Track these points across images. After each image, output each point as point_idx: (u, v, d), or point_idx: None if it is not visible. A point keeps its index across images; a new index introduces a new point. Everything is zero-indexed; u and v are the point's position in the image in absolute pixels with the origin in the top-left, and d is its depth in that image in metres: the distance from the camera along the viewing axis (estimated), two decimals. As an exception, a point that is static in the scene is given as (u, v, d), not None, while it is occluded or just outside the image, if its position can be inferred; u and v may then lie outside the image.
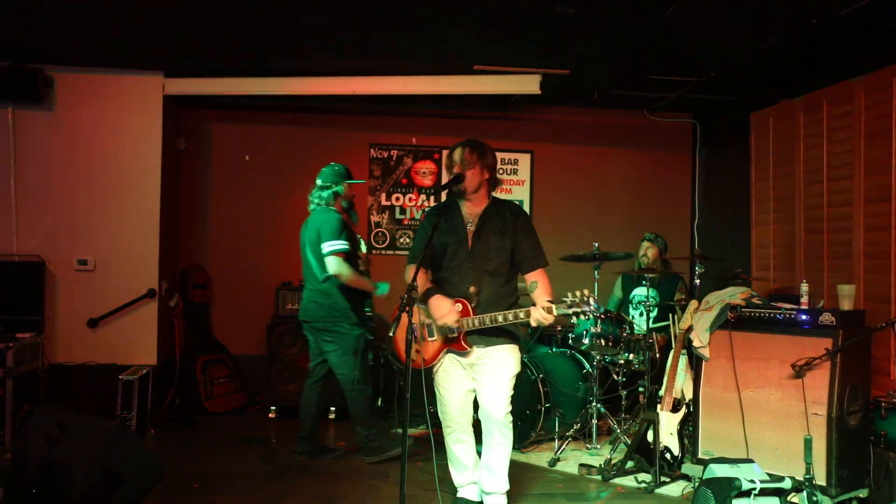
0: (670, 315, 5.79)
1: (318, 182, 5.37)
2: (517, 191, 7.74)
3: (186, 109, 7.18)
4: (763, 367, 4.63)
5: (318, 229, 5.19)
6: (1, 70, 6.13)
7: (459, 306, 3.80)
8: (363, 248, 5.78)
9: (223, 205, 7.44)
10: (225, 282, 7.41)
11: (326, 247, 5.10)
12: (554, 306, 3.49)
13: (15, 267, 6.18)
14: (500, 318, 3.68)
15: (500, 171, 7.42)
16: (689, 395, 5.08)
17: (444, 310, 3.80)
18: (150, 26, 5.54)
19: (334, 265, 5.08)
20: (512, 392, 3.93)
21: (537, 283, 3.80)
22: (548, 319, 3.51)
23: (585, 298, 3.42)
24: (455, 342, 3.83)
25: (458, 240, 3.94)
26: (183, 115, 7.22)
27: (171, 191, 7.00)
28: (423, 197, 7.71)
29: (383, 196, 7.69)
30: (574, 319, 3.47)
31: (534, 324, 3.54)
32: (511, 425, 3.95)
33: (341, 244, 5.10)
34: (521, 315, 3.60)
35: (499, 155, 4.87)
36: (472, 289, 3.82)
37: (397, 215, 7.71)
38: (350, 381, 5.24)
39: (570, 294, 3.50)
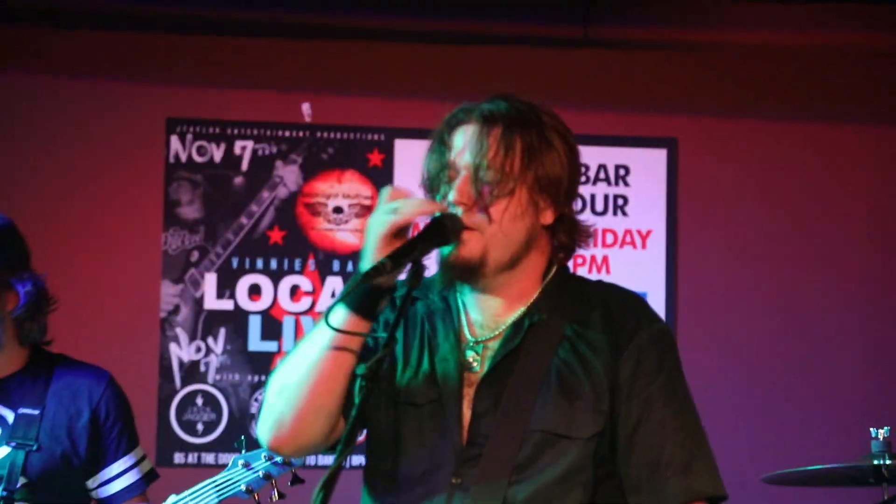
0: None
1: None
2: (634, 259, 3.51)
3: None
4: None
5: None
6: None
7: None
8: None
9: None
10: None
11: None
12: None
13: None
14: None
15: (583, 204, 3.90)
16: None
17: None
18: None
19: None
20: None
21: None
22: None
23: None
24: None
25: (431, 398, 1.54)
26: None
27: None
28: (333, 281, 3.38)
29: (207, 280, 3.32)
30: None
31: None
32: None
33: None
34: None
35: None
36: None
37: (251, 345, 3.39)
38: None
39: None
